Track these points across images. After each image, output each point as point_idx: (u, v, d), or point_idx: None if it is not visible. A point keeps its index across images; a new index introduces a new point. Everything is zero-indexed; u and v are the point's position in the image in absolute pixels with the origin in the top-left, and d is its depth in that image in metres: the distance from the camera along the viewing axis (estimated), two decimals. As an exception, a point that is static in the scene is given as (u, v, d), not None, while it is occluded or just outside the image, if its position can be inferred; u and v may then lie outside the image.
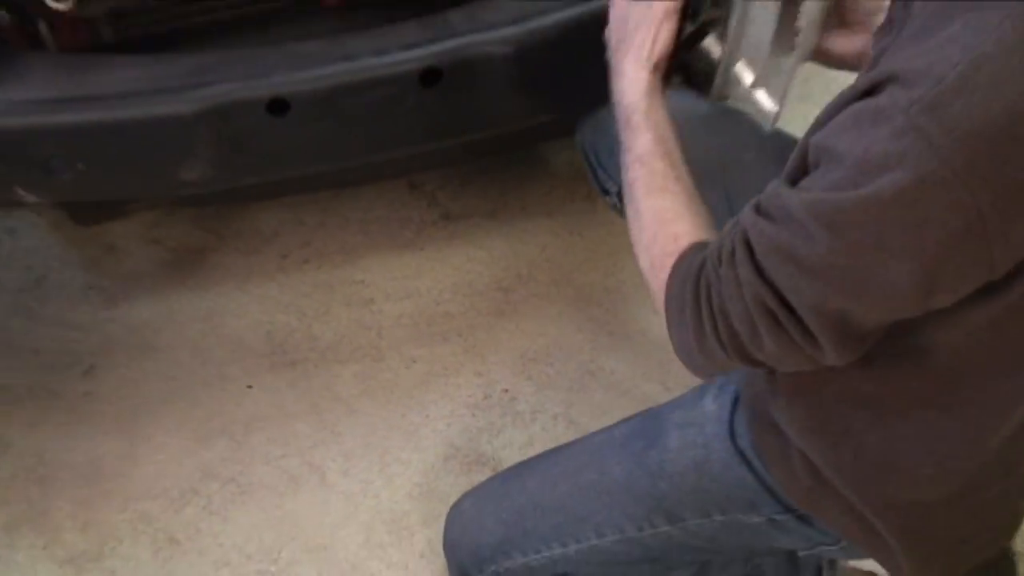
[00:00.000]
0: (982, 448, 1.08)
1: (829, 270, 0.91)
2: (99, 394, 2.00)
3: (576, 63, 1.66)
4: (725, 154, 1.52)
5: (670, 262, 1.11)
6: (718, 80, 1.28)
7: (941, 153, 0.85)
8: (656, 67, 1.25)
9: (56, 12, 1.65)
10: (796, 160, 0.98)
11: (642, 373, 2.01)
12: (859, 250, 0.89)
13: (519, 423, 1.94)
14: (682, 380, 1.91)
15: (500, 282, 2.14)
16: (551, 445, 1.41)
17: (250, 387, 2.01)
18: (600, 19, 1.62)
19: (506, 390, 1.99)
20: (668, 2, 1.25)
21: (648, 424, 1.37)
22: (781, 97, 1.25)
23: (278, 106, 1.56)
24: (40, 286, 2.15)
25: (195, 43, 1.75)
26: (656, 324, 1.21)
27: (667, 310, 1.10)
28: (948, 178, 0.85)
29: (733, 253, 0.99)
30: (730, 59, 1.25)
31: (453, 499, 1.42)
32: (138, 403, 1.98)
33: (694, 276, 1.05)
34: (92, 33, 1.75)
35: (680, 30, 1.29)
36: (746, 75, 1.26)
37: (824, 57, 1.33)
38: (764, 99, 1.27)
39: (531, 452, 1.43)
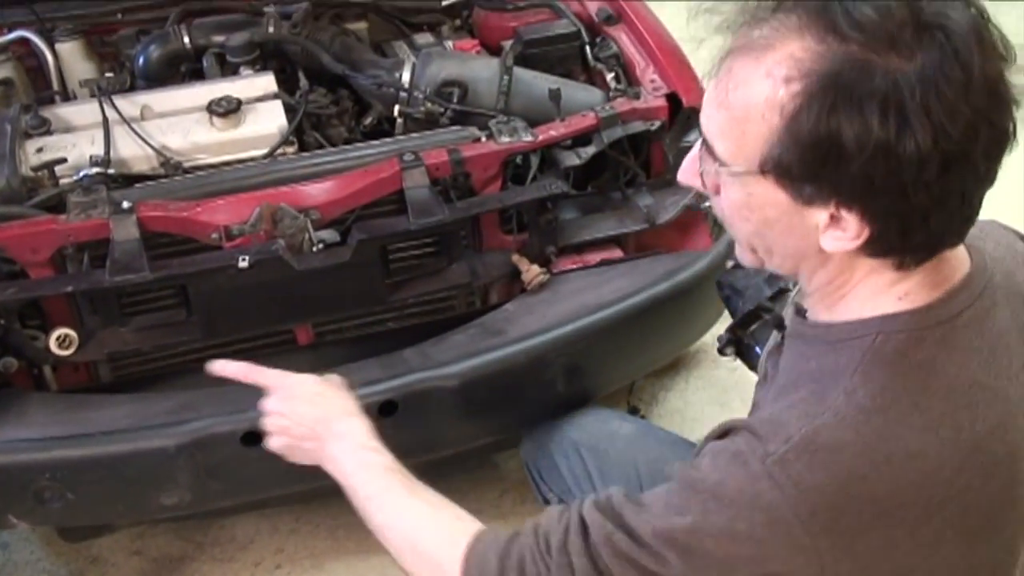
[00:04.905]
0: None
1: None
2: None
3: (515, 392, 1.75)
4: (651, 472, 1.57)
5: (458, 552, 1.11)
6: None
7: (790, 501, 0.92)
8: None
9: (60, 357, 1.75)
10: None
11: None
12: (708, 573, 0.96)
13: None
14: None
15: (458, 583, 2.13)
16: None
17: None
18: (535, 359, 1.74)
19: None
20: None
21: None
22: None
23: (252, 438, 1.63)
24: (29, 598, 2.13)
25: (183, 380, 1.83)
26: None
27: None
28: (794, 524, 0.92)
29: (566, 543, 1.03)
30: None
31: None
32: None
33: (515, 566, 1.06)
34: (91, 374, 1.83)
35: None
36: None
37: None
38: None
39: None
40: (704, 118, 0.99)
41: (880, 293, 1.00)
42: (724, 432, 1.01)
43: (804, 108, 0.89)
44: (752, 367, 1.47)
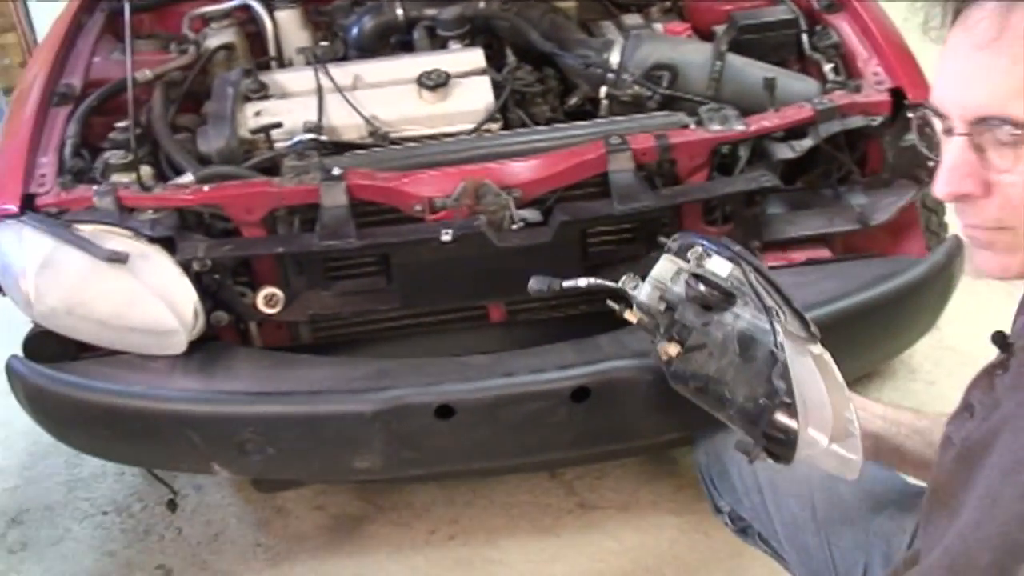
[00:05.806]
0: None
1: None
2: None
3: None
4: (826, 493, 1.45)
5: None
6: (800, 447, 1.25)
7: None
8: None
9: (265, 315, 1.81)
10: None
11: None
12: None
13: None
14: None
15: (629, 574, 2.10)
16: None
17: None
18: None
19: None
20: None
21: None
22: (857, 445, 1.25)
23: (445, 411, 1.64)
24: (217, 540, 2.21)
25: (377, 347, 1.87)
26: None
27: None
28: None
29: None
30: (802, 425, 1.24)
31: None
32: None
33: None
34: (292, 334, 1.88)
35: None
36: (821, 436, 1.25)
37: None
38: (843, 452, 1.26)
39: None
40: (984, 95, 0.89)
41: None
42: None
43: None
44: (789, 458, 1.26)
